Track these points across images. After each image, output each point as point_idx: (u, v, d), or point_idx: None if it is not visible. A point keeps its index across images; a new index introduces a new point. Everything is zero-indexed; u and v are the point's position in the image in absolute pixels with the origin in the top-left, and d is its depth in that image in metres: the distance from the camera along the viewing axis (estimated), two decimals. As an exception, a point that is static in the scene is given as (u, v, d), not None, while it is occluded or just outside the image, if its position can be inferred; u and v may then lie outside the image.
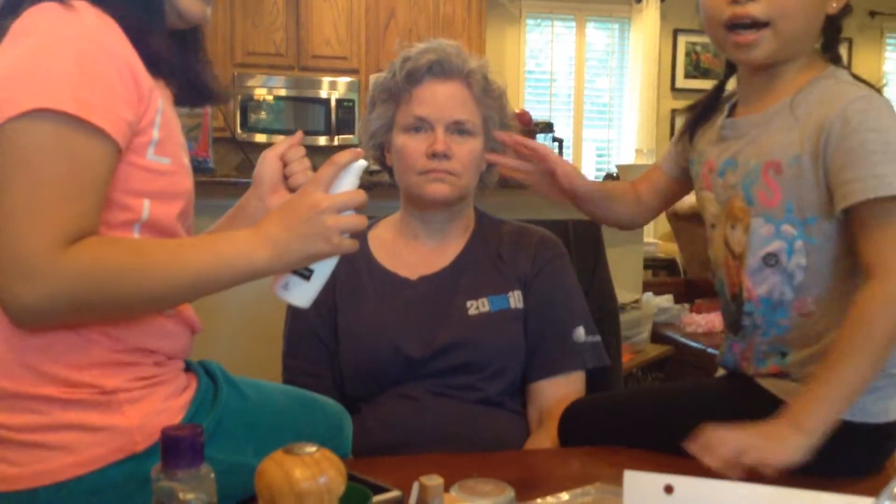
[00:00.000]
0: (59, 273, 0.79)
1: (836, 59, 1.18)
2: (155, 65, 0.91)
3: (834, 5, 1.13)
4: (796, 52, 1.15)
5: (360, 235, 0.96)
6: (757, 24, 1.10)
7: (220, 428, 0.94)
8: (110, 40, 0.85)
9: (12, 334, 0.85)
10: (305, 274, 0.94)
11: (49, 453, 0.85)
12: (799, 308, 1.14)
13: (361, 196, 0.93)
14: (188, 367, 1.01)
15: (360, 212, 0.95)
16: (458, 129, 1.33)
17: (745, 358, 1.22)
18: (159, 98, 0.91)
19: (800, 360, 1.15)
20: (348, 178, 0.94)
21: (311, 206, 0.90)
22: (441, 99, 1.33)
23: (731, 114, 1.24)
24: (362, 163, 0.95)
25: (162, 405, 0.91)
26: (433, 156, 1.31)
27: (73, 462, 0.85)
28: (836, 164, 1.06)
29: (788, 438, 0.97)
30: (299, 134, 1.14)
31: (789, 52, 1.14)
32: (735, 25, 1.11)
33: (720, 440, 0.97)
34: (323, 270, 0.95)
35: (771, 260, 1.14)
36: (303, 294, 0.96)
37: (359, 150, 0.96)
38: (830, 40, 1.18)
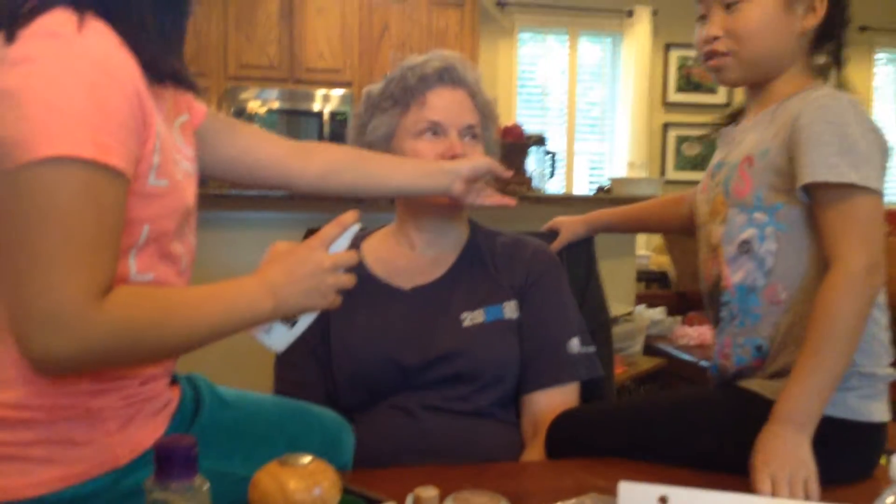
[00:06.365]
0: (95, 327, 0.77)
1: (824, 70, 1.26)
2: (157, 73, 0.87)
3: (805, 23, 1.20)
4: (773, 69, 1.24)
5: (348, 291, 1.02)
6: (720, 53, 1.23)
7: (202, 437, 0.94)
8: (118, 65, 0.81)
9: None
10: (291, 322, 1.00)
11: (34, 467, 0.84)
12: (769, 296, 1.18)
13: (355, 258, 1.00)
14: (173, 381, 1.02)
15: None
16: (469, 133, 1.38)
17: (725, 355, 1.25)
18: (157, 117, 0.88)
19: (775, 351, 1.18)
20: (345, 238, 1.01)
21: (316, 263, 0.96)
22: (452, 104, 1.37)
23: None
24: (358, 226, 1.02)
25: (145, 420, 0.91)
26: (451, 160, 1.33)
27: (58, 476, 0.84)
28: (797, 150, 1.12)
29: (787, 437, 1.01)
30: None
31: (762, 70, 1.23)
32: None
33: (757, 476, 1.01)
34: (306, 321, 1.01)
35: (745, 247, 1.21)
36: (282, 340, 1.00)
37: (358, 212, 1.01)
38: (825, 50, 1.25)
